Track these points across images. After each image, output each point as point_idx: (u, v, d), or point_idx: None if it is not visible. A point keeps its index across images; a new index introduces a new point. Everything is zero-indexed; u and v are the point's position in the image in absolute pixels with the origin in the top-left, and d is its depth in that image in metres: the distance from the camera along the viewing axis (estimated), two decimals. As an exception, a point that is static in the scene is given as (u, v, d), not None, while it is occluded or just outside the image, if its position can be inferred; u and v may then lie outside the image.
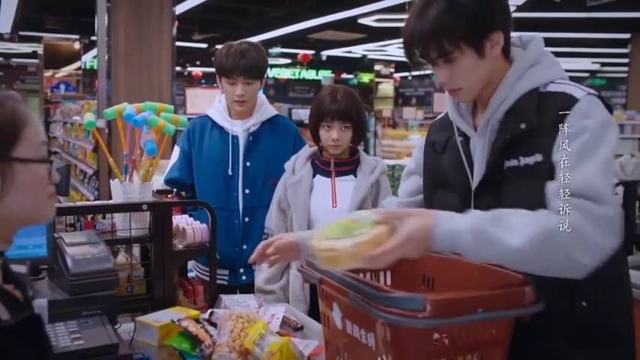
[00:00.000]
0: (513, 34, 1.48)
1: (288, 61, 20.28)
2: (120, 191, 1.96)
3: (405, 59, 1.50)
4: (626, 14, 10.94)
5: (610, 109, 1.37)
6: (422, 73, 20.48)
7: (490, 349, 1.24)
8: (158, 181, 2.51)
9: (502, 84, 1.43)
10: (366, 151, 4.96)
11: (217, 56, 2.53)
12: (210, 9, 11.15)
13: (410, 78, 23.83)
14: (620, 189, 3.08)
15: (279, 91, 23.04)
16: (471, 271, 1.35)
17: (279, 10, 11.54)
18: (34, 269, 1.68)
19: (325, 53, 18.60)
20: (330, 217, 2.14)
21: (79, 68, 15.63)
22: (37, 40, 14.62)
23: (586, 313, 1.37)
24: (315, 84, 21.93)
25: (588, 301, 1.37)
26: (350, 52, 18.21)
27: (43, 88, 14.57)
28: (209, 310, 1.81)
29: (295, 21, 12.56)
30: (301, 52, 17.21)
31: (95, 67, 6.79)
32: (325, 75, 20.01)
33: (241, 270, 2.53)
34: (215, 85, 3.13)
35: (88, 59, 15.17)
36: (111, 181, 2.02)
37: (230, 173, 2.52)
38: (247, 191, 2.52)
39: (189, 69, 21.08)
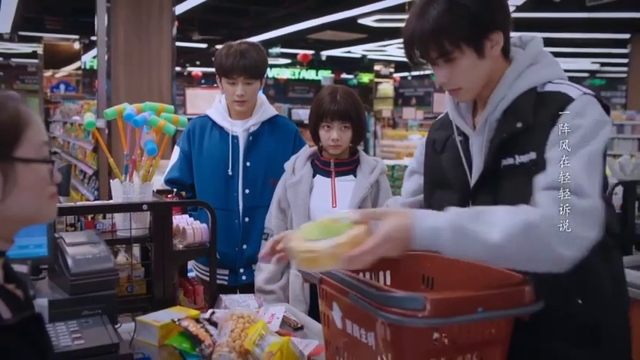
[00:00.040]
0: (513, 35, 1.48)
1: (288, 61, 20.28)
2: (120, 191, 1.96)
3: (404, 59, 1.50)
4: (625, 14, 10.95)
5: (607, 109, 1.38)
6: (422, 73, 20.50)
7: (490, 349, 1.24)
8: (158, 181, 2.51)
9: (500, 83, 1.44)
10: (366, 151, 4.96)
11: (217, 56, 2.54)
12: (210, 9, 11.16)
13: (410, 78, 23.85)
14: (620, 189, 3.08)
15: (279, 91, 23.05)
16: (470, 271, 1.35)
17: (279, 11, 11.55)
18: (35, 269, 1.68)
19: (325, 53, 18.60)
20: (330, 217, 2.14)
21: (79, 68, 15.63)
22: (37, 40, 14.62)
23: (582, 311, 1.38)
24: (315, 84, 21.95)
25: (584, 299, 1.38)
26: (350, 52, 18.23)
27: (42, 88, 14.56)
28: (210, 310, 1.81)
29: (295, 21, 12.57)
30: (301, 52, 17.22)
31: (95, 67, 6.79)
32: (325, 75, 20.03)
33: (241, 270, 2.53)
34: (215, 85, 3.14)
35: (88, 59, 15.18)
36: (111, 181, 2.02)
37: (230, 173, 2.52)
38: (247, 191, 2.52)
39: (189, 69, 21.09)
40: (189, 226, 1.98)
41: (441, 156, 1.59)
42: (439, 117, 1.72)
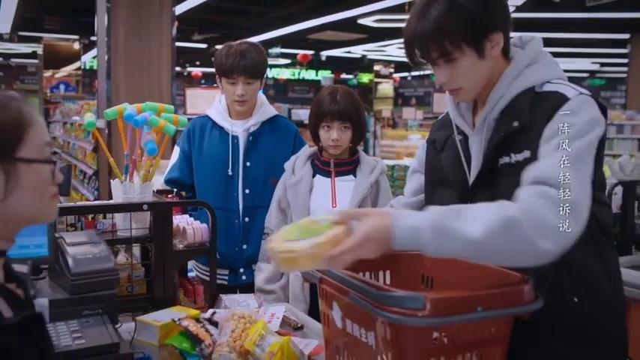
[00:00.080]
0: (514, 35, 1.49)
1: (288, 61, 20.28)
2: (120, 191, 1.97)
3: (404, 59, 1.51)
4: (625, 14, 10.96)
5: (604, 109, 1.39)
6: (421, 73, 20.50)
7: (489, 348, 1.25)
8: (158, 181, 2.51)
9: (499, 83, 1.45)
10: (366, 151, 4.97)
11: (217, 56, 2.54)
12: (210, 9, 11.16)
13: (409, 78, 23.86)
14: (620, 189, 3.09)
15: (279, 91, 23.05)
16: (469, 270, 1.35)
17: (279, 11, 11.56)
18: (35, 269, 1.68)
19: (325, 53, 18.60)
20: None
21: (79, 68, 15.62)
22: (37, 40, 14.62)
23: (579, 310, 1.38)
24: (315, 84, 21.94)
25: (580, 298, 1.38)
26: (349, 52, 18.22)
27: (42, 89, 14.56)
28: (211, 310, 1.81)
29: (295, 21, 12.57)
30: (301, 52, 17.22)
31: (95, 68, 6.79)
32: (325, 75, 20.02)
33: (241, 270, 2.53)
34: (215, 85, 3.14)
35: (88, 59, 15.17)
36: (111, 181, 2.02)
37: (230, 173, 2.53)
38: (247, 191, 2.53)
39: (189, 69, 21.08)
40: (189, 226, 1.99)
41: (441, 155, 1.60)
42: (440, 117, 1.73)
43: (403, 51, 1.49)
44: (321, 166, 2.39)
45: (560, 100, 1.36)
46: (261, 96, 2.67)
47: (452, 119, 1.58)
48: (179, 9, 8.07)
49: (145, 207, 1.87)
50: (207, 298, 2.07)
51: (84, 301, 1.52)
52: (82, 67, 15.40)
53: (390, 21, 11.68)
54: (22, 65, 18.08)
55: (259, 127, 2.59)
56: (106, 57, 5.54)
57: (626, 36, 13.49)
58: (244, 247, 2.52)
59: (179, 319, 1.63)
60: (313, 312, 2.15)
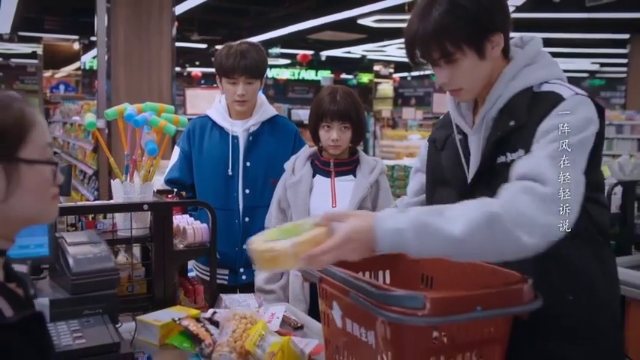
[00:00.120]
0: (514, 35, 1.49)
1: (288, 61, 20.28)
2: (121, 191, 1.97)
3: (404, 59, 1.52)
4: (625, 15, 10.96)
5: (601, 109, 1.39)
6: (421, 73, 20.51)
7: (488, 347, 1.25)
8: (158, 181, 2.51)
9: (498, 82, 1.46)
10: (366, 151, 4.97)
11: (217, 57, 2.54)
12: (210, 9, 11.16)
13: (409, 78, 23.86)
14: (619, 189, 3.09)
15: (279, 91, 23.06)
16: (469, 270, 1.36)
17: (279, 11, 11.56)
18: (36, 269, 1.69)
19: (325, 53, 18.60)
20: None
21: (79, 69, 15.61)
22: (37, 40, 14.62)
23: (575, 310, 1.39)
24: (315, 84, 21.94)
25: (577, 297, 1.39)
26: (349, 52, 18.22)
27: (42, 89, 14.56)
28: (212, 310, 1.82)
29: (295, 21, 12.57)
30: (301, 52, 17.22)
31: (95, 68, 6.79)
32: (324, 75, 20.03)
33: (241, 270, 2.53)
34: (215, 85, 3.14)
35: (88, 60, 15.17)
36: (112, 181, 2.03)
37: (230, 173, 2.53)
38: (247, 191, 2.53)
39: (189, 69, 21.08)
40: (189, 226, 1.99)
41: (441, 154, 1.61)
42: (442, 116, 1.73)
43: (403, 51, 1.49)
44: (321, 166, 2.39)
45: (556, 100, 1.37)
46: (261, 96, 2.67)
47: (452, 119, 1.58)
48: (179, 9, 8.07)
49: (146, 207, 1.87)
50: (207, 298, 2.08)
51: (84, 301, 1.53)
52: (82, 67, 15.39)
53: (390, 21, 11.69)
54: (21, 65, 18.10)
55: (259, 127, 2.59)
56: (106, 57, 5.54)
57: (626, 36, 13.50)
58: (244, 247, 2.50)
59: (179, 319, 1.63)
60: (313, 312, 2.15)
